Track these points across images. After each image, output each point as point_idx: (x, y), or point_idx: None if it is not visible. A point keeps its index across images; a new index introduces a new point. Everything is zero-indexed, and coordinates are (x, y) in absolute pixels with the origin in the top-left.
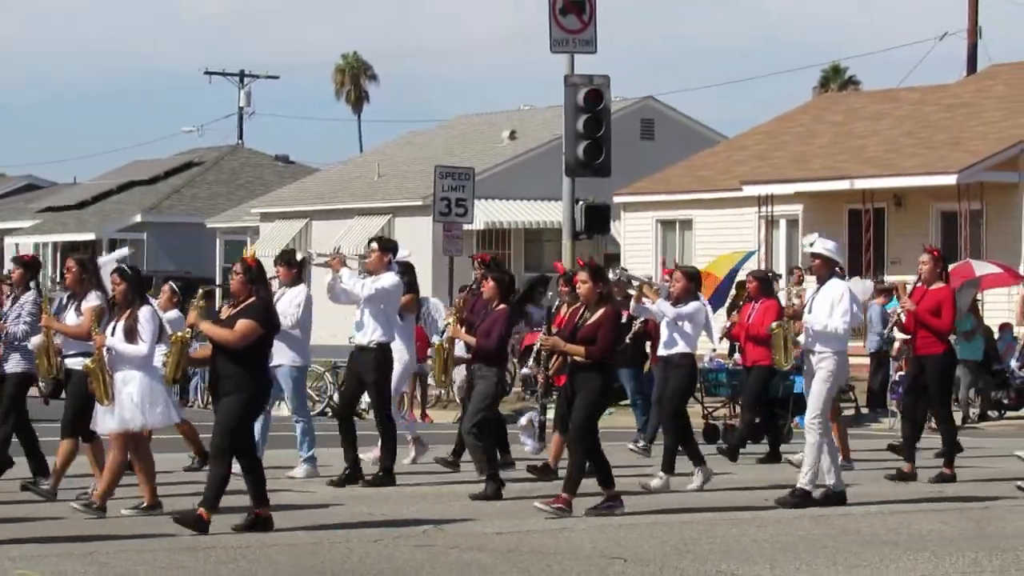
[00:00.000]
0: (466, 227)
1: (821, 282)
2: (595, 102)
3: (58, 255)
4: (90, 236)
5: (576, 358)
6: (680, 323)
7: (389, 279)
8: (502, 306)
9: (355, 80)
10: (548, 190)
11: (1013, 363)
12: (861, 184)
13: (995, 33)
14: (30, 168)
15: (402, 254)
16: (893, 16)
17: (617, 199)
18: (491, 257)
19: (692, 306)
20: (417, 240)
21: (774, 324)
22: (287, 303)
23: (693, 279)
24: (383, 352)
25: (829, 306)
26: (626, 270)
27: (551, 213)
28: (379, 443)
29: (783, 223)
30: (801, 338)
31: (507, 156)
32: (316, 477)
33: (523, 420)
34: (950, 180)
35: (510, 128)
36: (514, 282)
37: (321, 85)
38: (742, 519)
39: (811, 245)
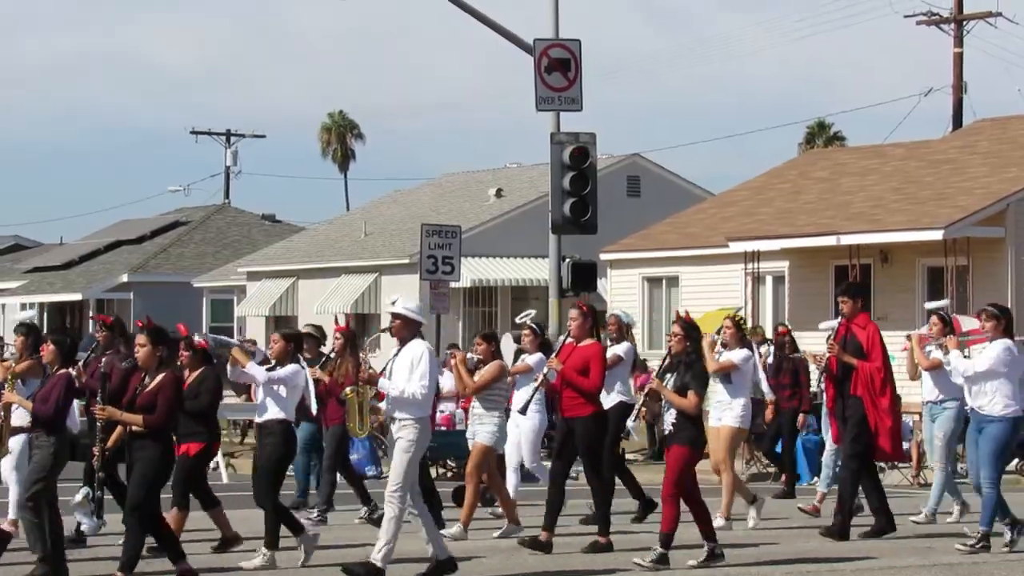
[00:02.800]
0: (453, 285)
1: (403, 343)
2: (581, 160)
3: (45, 315)
4: (77, 296)
5: (135, 428)
6: (275, 387)
7: None
8: (63, 371)
9: (341, 139)
10: (534, 248)
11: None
12: (847, 240)
13: (980, 89)
14: (16, 229)
15: (27, 314)
16: (878, 72)
17: (603, 256)
18: (113, 318)
19: (288, 369)
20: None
21: (348, 389)
22: None
23: (292, 341)
24: None
25: (408, 369)
26: (210, 334)
27: (537, 271)
28: None
29: (769, 279)
30: (383, 404)
31: (493, 214)
32: None
33: (78, 496)
34: (936, 235)
35: (496, 186)
36: (76, 346)
37: (307, 144)
38: (731, 574)
39: (392, 304)
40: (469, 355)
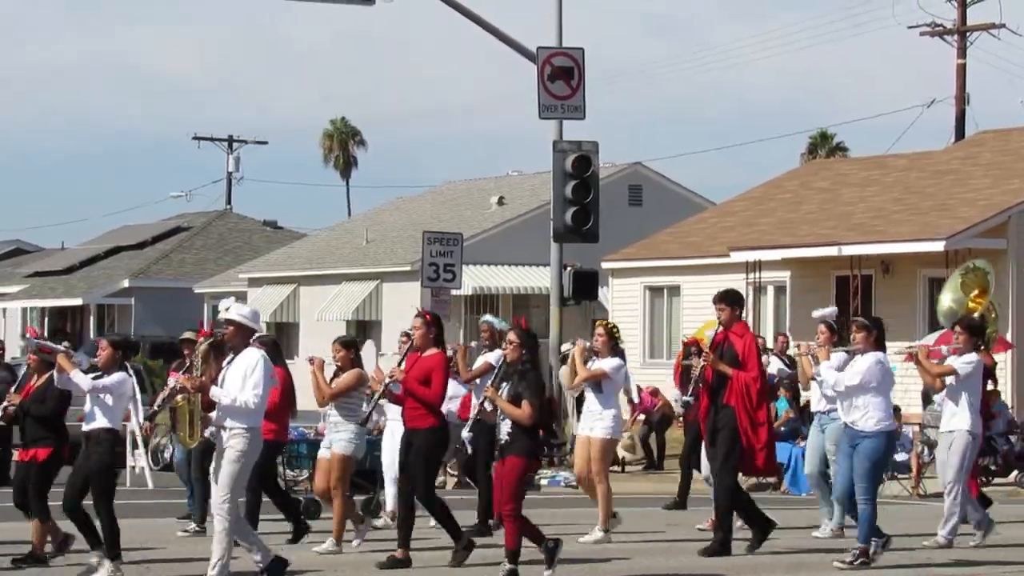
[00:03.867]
0: (454, 292)
1: (236, 351)
2: (583, 168)
3: (45, 320)
4: (78, 301)
5: None
6: (101, 396)
7: None
8: None
9: (343, 145)
10: (536, 256)
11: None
12: (849, 251)
13: (983, 100)
14: (18, 233)
15: None
16: (881, 82)
17: (605, 265)
18: None
19: (114, 378)
20: (405, 305)
21: (179, 397)
22: None
23: (120, 348)
24: None
25: (241, 378)
26: (33, 339)
27: (539, 279)
28: None
29: (771, 289)
30: (214, 413)
31: (495, 222)
32: None
33: None
34: (938, 247)
35: (498, 194)
36: None
37: (309, 150)
38: None
39: (226, 310)
40: (328, 362)
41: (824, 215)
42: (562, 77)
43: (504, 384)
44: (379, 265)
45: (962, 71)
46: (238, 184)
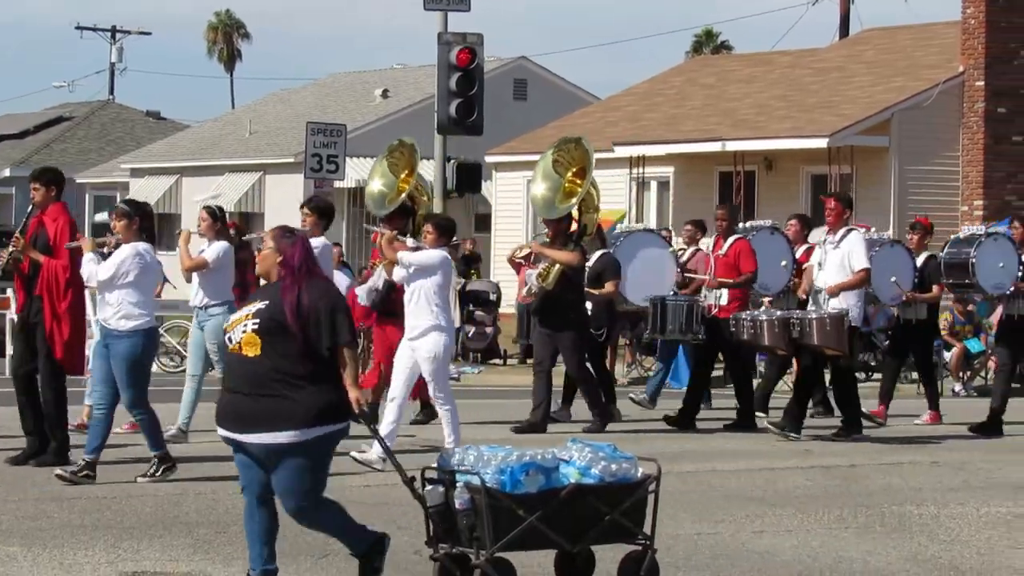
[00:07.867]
0: (337, 184)
1: None
2: (468, 60)
3: None
4: None
5: None
6: None
7: None
8: None
9: (228, 38)
10: (420, 150)
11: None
12: (732, 146)
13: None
14: None
15: None
16: None
17: (489, 159)
18: None
19: None
20: (288, 197)
21: None
22: None
23: None
24: None
25: None
26: None
27: (423, 172)
28: None
29: (654, 185)
30: None
31: (379, 114)
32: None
33: None
34: (821, 143)
35: (383, 87)
36: None
37: (194, 42)
38: None
39: None
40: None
41: (708, 111)
42: None
43: None
44: (262, 156)
45: None
46: (121, 75)
